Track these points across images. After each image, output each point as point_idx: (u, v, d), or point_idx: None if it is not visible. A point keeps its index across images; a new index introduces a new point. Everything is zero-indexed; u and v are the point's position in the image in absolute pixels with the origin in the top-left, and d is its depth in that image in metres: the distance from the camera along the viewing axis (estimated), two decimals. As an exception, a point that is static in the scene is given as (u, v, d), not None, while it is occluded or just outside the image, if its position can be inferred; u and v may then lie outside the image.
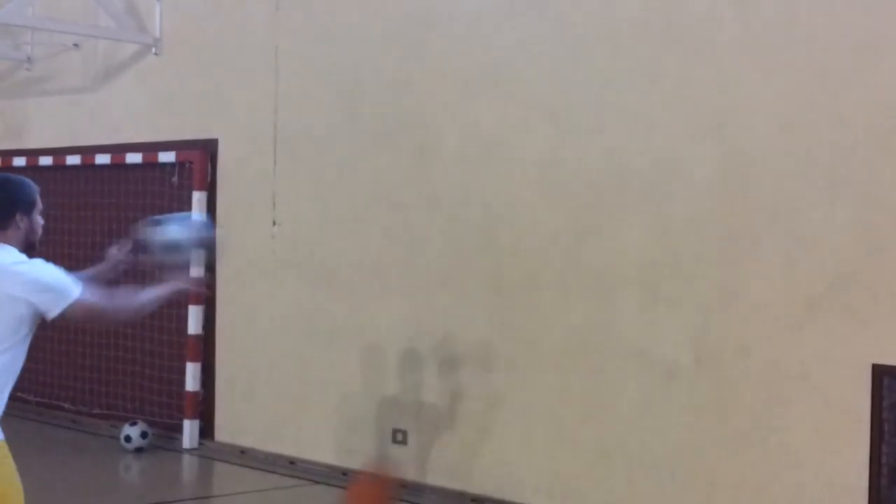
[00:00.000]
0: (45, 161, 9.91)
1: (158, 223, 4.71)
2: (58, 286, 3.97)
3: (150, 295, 4.27)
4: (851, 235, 5.74)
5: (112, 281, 4.54)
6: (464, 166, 7.32)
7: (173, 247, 4.57)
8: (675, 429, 6.29)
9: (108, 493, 7.61)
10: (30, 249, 4.11)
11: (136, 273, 4.85)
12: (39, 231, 4.18)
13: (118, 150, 9.39)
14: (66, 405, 9.72)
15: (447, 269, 7.38)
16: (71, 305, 3.95)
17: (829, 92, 5.85)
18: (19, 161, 10.12)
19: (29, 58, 10.26)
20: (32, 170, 9.96)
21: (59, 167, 9.83)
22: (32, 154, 10.06)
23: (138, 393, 9.21)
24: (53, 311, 3.94)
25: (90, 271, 4.67)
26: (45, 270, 4.00)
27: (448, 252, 7.39)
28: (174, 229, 4.67)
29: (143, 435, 8.60)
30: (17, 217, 4.08)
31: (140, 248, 4.71)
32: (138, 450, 8.57)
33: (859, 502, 5.61)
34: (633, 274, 6.51)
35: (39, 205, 4.19)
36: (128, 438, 8.59)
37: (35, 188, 4.22)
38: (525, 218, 7.01)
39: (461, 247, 7.31)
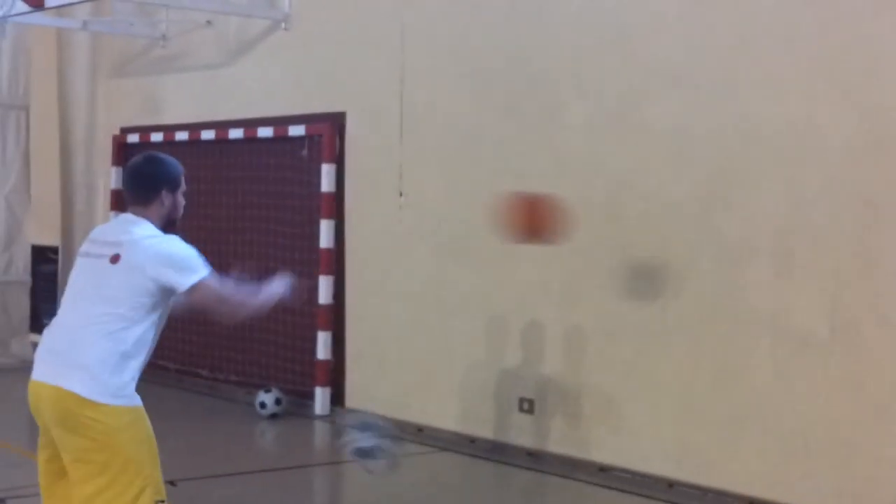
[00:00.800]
0: (182, 136, 10.20)
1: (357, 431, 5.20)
2: (185, 263, 4.07)
3: (266, 299, 4.32)
4: None
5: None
6: (590, 135, 7.26)
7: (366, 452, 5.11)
8: (808, 400, 6.16)
9: (244, 457, 7.81)
10: (169, 227, 4.23)
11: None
12: (181, 210, 4.29)
13: (250, 124, 9.61)
14: (204, 373, 10.03)
15: (574, 239, 7.32)
16: (194, 286, 4.04)
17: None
18: (157, 136, 10.46)
19: (164, 35, 10.55)
20: (169, 145, 10.32)
21: (194, 142, 10.10)
22: (169, 130, 10.37)
23: (272, 361, 9.44)
24: (178, 287, 4.03)
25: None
26: (176, 246, 4.11)
27: (575, 221, 7.34)
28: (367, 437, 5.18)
29: (278, 401, 8.82)
30: (162, 194, 4.20)
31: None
32: (272, 416, 8.80)
33: None
34: (765, 241, 6.37)
35: (183, 185, 4.31)
36: (262, 405, 8.83)
37: (181, 168, 4.33)
38: (653, 186, 6.93)
39: (588, 216, 7.24)
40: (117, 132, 10.99)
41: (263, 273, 4.38)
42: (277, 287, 4.38)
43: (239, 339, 9.68)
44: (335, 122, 8.99)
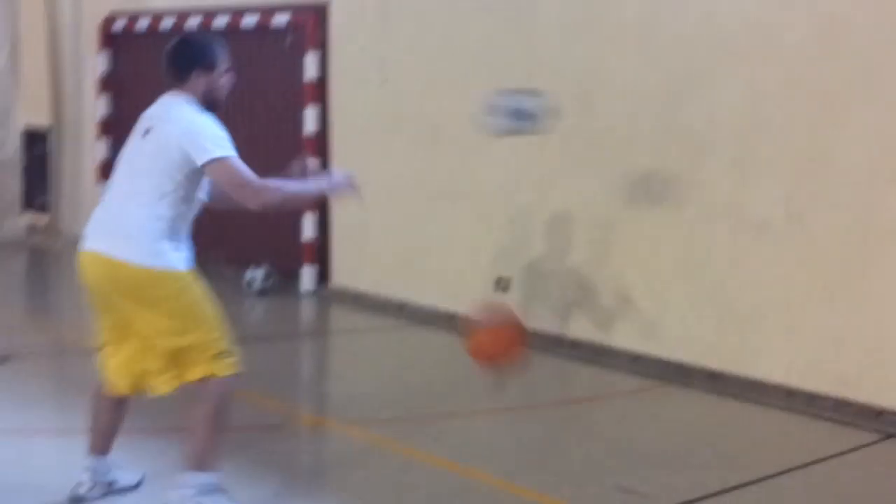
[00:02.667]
0: (167, 24, 10.39)
1: (510, 93, 5.09)
2: (209, 139, 4.11)
3: (301, 187, 4.26)
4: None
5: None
6: (562, 30, 7.58)
7: (524, 114, 5.00)
8: (763, 282, 6.64)
9: (235, 329, 8.22)
10: (212, 108, 4.28)
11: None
12: (221, 91, 4.32)
13: (235, 11, 9.81)
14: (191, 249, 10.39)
15: (550, 128, 7.69)
16: (215, 160, 4.06)
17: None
18: (142, 24, 10.64)
19: (149, -80, 10.65)
20: (153, 34, 10.50)
21: (180, 31, 10.26)
22: (155, 15, 10.54)
23: (260, 240, 9.79)
24: (201, 158, 4.07)
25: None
26: (204, 122, 4.17)
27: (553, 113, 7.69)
28: (526, 99, 5.09)
29: (267, 276, 9.19)
30: (193, 75, 4.25)
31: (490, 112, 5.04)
32: (261, 292, 9.20)
33: (941, 349, 5.94)
34: (726, 134, 6.78)
35: (220, 66, 4.30)
36: (252, 280, 9.21)
37: (216, 49, 4.31)
38: (622, 80, 7.29)
39: (561, 105, 7.59)
40: (104, 18, 11.14)
41: (249, 161, 4.26)
42: (318, 186, 4.37)
43: (227, 218, 9.96)
44: (318, 11, 9.22)
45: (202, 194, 4.33)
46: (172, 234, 4.16)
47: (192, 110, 4.23)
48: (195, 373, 4.19)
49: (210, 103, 4.30)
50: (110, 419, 4.46)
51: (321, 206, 9.27)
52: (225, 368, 4.22)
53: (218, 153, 4.10)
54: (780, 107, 6.53)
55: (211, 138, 4.13)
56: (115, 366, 4.35)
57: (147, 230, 4.10)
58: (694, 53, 6.89)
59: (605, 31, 7.35)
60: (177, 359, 4.19)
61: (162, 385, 4.25)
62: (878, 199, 6.15)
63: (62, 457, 4.99)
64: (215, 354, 4.19)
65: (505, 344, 5.36)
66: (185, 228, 4.24)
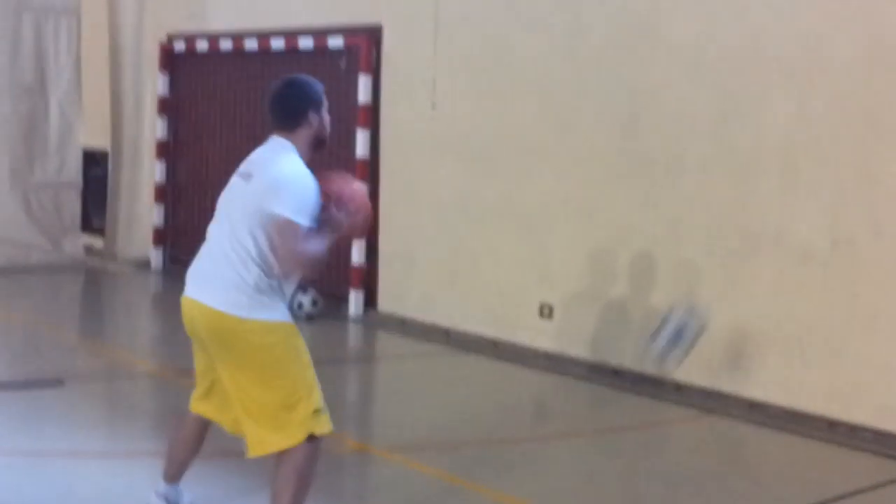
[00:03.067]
0: (226, 45, 10.57)
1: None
2: (304, 202, 3.95)
3: (321, 250, 4.03)
4: None
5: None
6: (612, 50, 7.54)
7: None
8: (807, 309, 6.52)
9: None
10: (320, 148, 4.19)
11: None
12: (328, 129, 4.20)
13: (291, 33, 9.93)
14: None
15: (595, 150, 7.69)
16: (284, 218, 3.91)
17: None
18: (202, 45, 10.85)
19: (210, -54, 10.86)
20: (214, 55, 10.71)
21: (238, 52, 10.46)
22: (213, 37, 10.73)
23: (309, 264, 9.87)
24: (278, 209, 3.93)
25: None
26: (299, 181, 3.98)
27: (596, 133, 7.69)
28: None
29: (314, 302, 9.25)
30: (310, 115, 4.13)
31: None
32: (309, 317, 9.26)
33: (984, 381, 5.79)
34: (773, 156, 6.67)
35: (326, 101, 4.20)
36: (300, 305, 9.28)
37: (321, 86, 4.21)
38: (670, 101, 7.23)
39: (609, 128, 7.59)
40: (164, 39, 11.38)
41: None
42: (329, 241, 4.11)
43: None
44: (372, 35, 9.31)
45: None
46: (273, 284, 4.02)
47: (295, 162, 4.08)
48: (280, 440, 4.02)
49: (320, 143, 4.20)
50: (189, 450, 4.45)
51: (369, 231, 9.33)
52: (317, 426, 4.07)
53: (291, 214, 3.94)
54: (826, 127, 6.43)
55: (301, 200, 3.97)
56: (208, 392, 4.30)
57: (247, 282, 3.99)
58: (741, 72, 6.80)
59: (653, 51, 7.30)
60: (265, 416, 4.03)
61: (251, 448, 4.10)
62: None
63: (109, 480, 5.03)
64: (306, 413, 4.04)
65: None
66: (288, 280, 4.08)
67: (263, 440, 4.05)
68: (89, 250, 11.92)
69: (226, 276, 4.02)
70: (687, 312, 5.75)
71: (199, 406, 4.36)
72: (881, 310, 6.18)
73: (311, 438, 4.05)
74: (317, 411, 4.06)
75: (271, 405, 4.01)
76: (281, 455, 4.07)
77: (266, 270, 4.00)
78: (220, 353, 4.08)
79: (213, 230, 4.18)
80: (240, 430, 4.18)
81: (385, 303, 9.34)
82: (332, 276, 9.62)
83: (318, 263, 4.12)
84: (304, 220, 3.95)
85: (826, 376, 6.43)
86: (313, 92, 4.19)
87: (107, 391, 7.11)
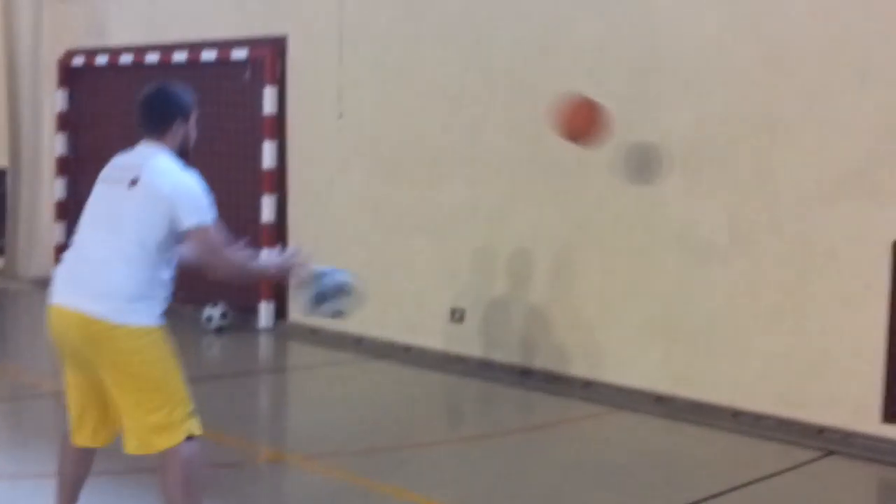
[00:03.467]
0: (126, 59, 10.46)
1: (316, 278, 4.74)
2: (195, 203, 4.06)
3: (259, 269, 4.28)
4: (878, 120, 6.06)
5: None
6: (518, 57, 7.69)
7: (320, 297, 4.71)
8: (709, 303, 6.72)
9: (193, 368, 8.14)
10: (183, 156, 4.23)
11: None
12: (193, 139, 4.29)
13: (194, 47, 9.89)
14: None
15: (503, 157, 7.82)
16: (196, 227, 4.02)
17: (861, -18, 6.11)
18: (102, 59, 10.71)
19: (108, -40, 10.75)
20: (113, 68, 10.59)
21: (139, 65, 10.36)
22: (114, 52, 10.62)
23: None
24: (186, 222, 4.02)
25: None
26: (192, 183, 4.10)
27: (504, 140, 7.81)
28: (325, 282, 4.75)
29: (224, 315, 9.24)
30: (177, 123, 4.21)
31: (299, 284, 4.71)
32: (219, 329, 9.23)
33: (876, 366, 6.06)
34: (675, 158, 6.88)
35: (195, 112, 4.28)
36: (209, 319, 9.25)
37: (192, 96, 4.28)
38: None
39: (516, 135, 7.72)
40: (63, 55, 11.21)
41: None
42: (276, 262, 4.36)
43: (201, 268, 10.00)
44: (277, 46, 9.32)
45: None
46: (150, 291, 4.09)
47: (177, 166, 4.17)
48: (162, 441, 4.08)
49: (183, 152, 4.27)
50: (77, 469, 4.38)
51: (278, 242, 9.31)
52: (193, 429, 4.13)
53: (201, 220, 4.06)
54: (725, 129, 6.65)
55: (198, 203, 4.08)
56: (80, 419, 4.29)
57: (126, 287, 4.02)
58: (645, 76, 7.01)
59: (558, 56, 7.46)
60: (144, 417, 4.08)
61: (130, 445, 4.13)
62: (817, 222, 6.27)
63: (18, 502, 4.94)
64: (183, 415, 4.11)
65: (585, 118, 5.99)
66: (164, 284, 4.17)
67: (144, 440, 4.09)
68: (-11, 269, 11.66)
69: (100, 283, 4.03)
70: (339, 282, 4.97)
71: (78, 439, 4.32)
72: (781, 303, 6.42)
73: (190, 438, 4.12)
74: (191, 413, 4.14)
75: (150, 407, 4.05)
76: (164, 461, 4.10)
77: (147, 276, 4.04)
78: (96, 359, 4.08)
79: (86, 237, 4.16)
80: (112, 437, 4.24)
81: (296, 313, 9.32)
82: (242, 288, 9.57)
83: (246, 271, 4.26)
84: (210, 216, 4.08)
85: (730, 368, 6.62)
86: (182, 101, 4.26)
87: (11, 412, 6.97)
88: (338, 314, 4.86)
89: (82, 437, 4.30)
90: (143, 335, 4.05)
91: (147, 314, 4.07)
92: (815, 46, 6.29)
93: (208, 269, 4.15)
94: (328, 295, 4.74)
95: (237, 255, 4.19)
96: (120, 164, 4.23)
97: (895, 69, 6.00)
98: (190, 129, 4.28)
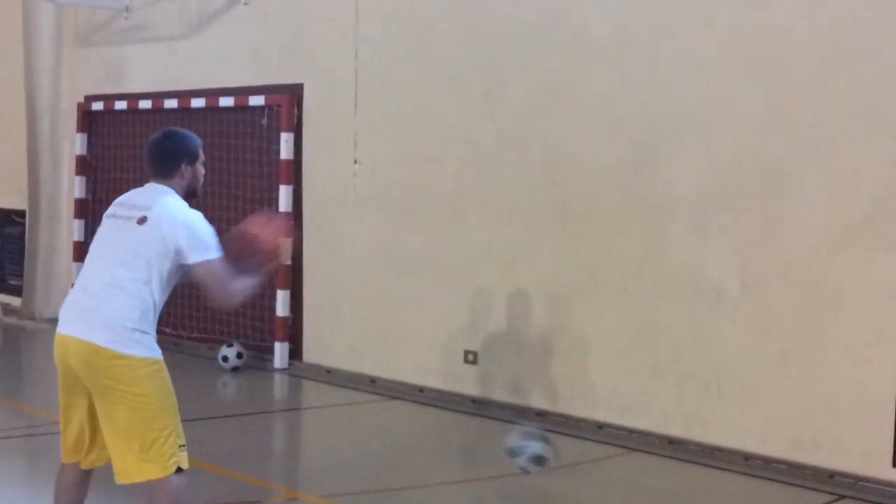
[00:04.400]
0: (145, 105, 10.66)
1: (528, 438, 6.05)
2: (201, 240, 4.27)
3: (253, 286, 4.37)
4: (885, 169, 6.20)
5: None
6: (529, 107, 7.86)
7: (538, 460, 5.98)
8: (720, 349, 6.83)
9: (208, 406, 8.34)
10: (190, 197, 4.45)
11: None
12: (200, 181, 4.52)
13: (212, 94, 10.08)
14: (168, 330, 10.51)
15: (515, 203, 7.96)
16: (202, 263, 4.24)
17: (866, 36, 6.28)
18: (121, 104, 10.91)
19: (127, 7, 10.96)
20: (133, 112, 10.79)
21: (158, 110, 10.56)
22: (133, 98, 10.83)
23: (233, 318, 9.95)
24: (191, 259, 4.23)
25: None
26: (198, 221, 4.32)
27: (515, 187, 7.97)
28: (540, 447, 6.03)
29: (239, 355, 9.36)
30: (183, 167, 4.43)
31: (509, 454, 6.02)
32: (234, 369, 9.34)
33: (886, 411, 6.16)
34: (685, 206, 7.03)
35: (202, 156, 4.52)
36: (225, 359, 9.37)
37: (198, 141, 4.54)
38: (586, 155, 7.55)
39: (527, 182, 7.87)
40: (82, 100, 11.42)
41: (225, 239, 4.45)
42: (258, 280, 4.46)
43: (201, 297, 10.10)
44: (293, 93, 9.51)
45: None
46: (149, 322, 4.25)
47: (184, 205, 4.38)
48: (151, 471, 4.21)
49: (190, 193, 4.47)
50: (73, 497, 4.51)
51: (293, 284, 9.45)
52: (182, 462, 4.26)
53: (207, 256, 4.27)
54: (734, 177, 6.80)
55: (203, 240, 4.28)
56: (76, 444, 4.41)
57: (130, 319, 4.18)
58: (653, 127, 7.17)
59: (568, 107, 7.63)
60: (135, 447, 4.20)
61: (121, 475, 4.27)
62: (825, 269, 6.40)
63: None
64: (174, 447, 4.24)
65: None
66: (158, 315, 4.32)
67: (134, 470, 4.23)
68: (6, 309, 11.78)
69: (104, 314, 4.19)
70: (542, 441, 6.10)
71: (70, 457, 4.47)
72: (791, 348, 6.53)
73: (178, 471, 4.26)
74: (182, 446, 4.28)
75: (142, 437, 4.19)
76: (152, 492, 4.24)
77: (147, 310, 4.22)
78: (94, 388, 4.23)
79: (92, 270, 4.33)
80: (102, 463, 4.39)
81: (310, 354, 9.44)
82: (258, 328, 9.72)
83: (249, 294, 4.44)
84: (216, 253, 4.29)
85: (741, 412, 6.72)
86: (189, 145, 4.50)
87: (28, 447, 7.07)
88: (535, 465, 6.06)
89: (77, 458, 4.42)
90: (145, 366, 4.20)
91: (148, 346, 4.22)
92: (822, 97, 6.45)
93: (215, 301, 4.38)
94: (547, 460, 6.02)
95: (240, 285, 4.37)
96: (128, 202, 4.44)
97: (900, 120, 6.16)
98: (197, 171, 4.49)
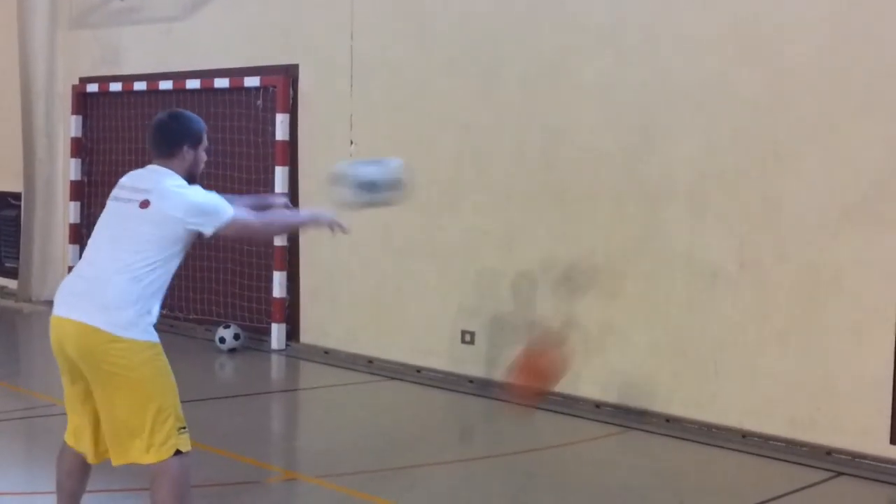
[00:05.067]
0: (140, 86, 10.64)
1: (356, 164, 4.98)
2: (213, 209, 4.30)
3: (295, 219, 4.66)
4: (884, 149, 6.22)
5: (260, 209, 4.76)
6: (527, 88, 7.86)
7: (369, 185, 4.80)
8: (718, 328, 6.86)
9: (206, 388, 8.35)
10: (191, 181, 4.42)
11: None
12: (202, 165, 4.50)
13: (207, 75, 10.06)
14: (164, 311, 10.51)
15: (512, 185, 7.97)
16: (226, 224, 4.30)
17: (866, 16, 6.29)
18: (115, 86, 10.88)
19: (122, -12, 10.94)
20: (128, 94, 10.77)
21: (153, 92, 10.54)
22: (128, 80, 10.79)
23: (230, 300, 9.97)
24: (208, 230, 4.28)
25: (250, 198, 4.86)
26: (202, 195, 4.35)
27: (513, 168, 7.97)
28: (372, 170, 4.90)
29: (236, 337, 9.38)
30: (185, 149, 4.41)
31: (335, 181, 4.85)
32: (231, 350, 9.36)
33: (884, 392, 6.19)
34: (682, 187, 7.04)
35: (205, 141, 4.50)
36: (222, 340, 9.38)
37: (203, 124, 4.52)
38: (584, 136, 7.55)
39: (525, 163, 7.88)
40: (77, 82, 11.38)
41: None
42: (307, 218, 4.66)
43: (198, 280, 10.18)
44: (289, 74, 9.49)
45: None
46: (149, 305, 4.24)
47: (184, 184, 4.37)
48: (150, 455, 4.20)
49: (190, 177, 4.44)
50: (74, 483, 4.50)
51: (290, 266, 9.46)
52: (182, 444, 4.26)
53: (224, 218, 4.31)
54: (732, 158, 6.81)
55: (215, 208, 4.32)
56: (77, 433, 4.41)
57: (126, 301, 4.16)
58: (651, 108, 7.18)
59: (566, 89, 7.63)
60: (133, 431, 4.20)
61: (117, 458, 4.27)
62: (824, 249, 6.42)
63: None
64: (174, 430, 4.23)
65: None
66: (160, 299, 4.33)
67: (133, 453, 4.22)
68: (2, 291, 11.76)
69: (104, 296, 4.18)
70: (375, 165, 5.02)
71: (72, 440, 4.46)
72: (789, 328, 6.56)
73: (178, 454, 4.25)
74: (182, 429, 4.27)
75: (141, 421, 4.18)
76: (155, 476, 4.24)
77: (146, 293, 4.20)
78: (91, 371, 4.21)
79: (94, 252, 4.34)
80: (105, 452, 4.35)
81: (308, 336, 9.45)
82: (255, 309, 9.73)
83: (283, 227, 4.74)
84: (228, 211, 4.33)
85: (739, 391, 6.75)
86: (193, 128, 4.48)
87: (25, 429, 7.09)
88: (382, 203, 4.95)
89: (81, 451, 4.41)
90: (143, 350, 4.18)
91: (145, 330, 4.21)
92: (821, 77, 6.46)
93: (259, 242, 4.44)
94: (381, 185, 4.83)
95: (270, 219, 4.57)
96: (130, 185, 4.42)
97: (898, 100, 6.17)
98: (199, 155, 4.47)
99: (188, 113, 4.58)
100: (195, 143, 4.45)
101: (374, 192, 4.81)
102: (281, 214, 4.70)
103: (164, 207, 4.26)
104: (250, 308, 9.82)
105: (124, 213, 4.32)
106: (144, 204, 4.27)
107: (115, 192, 4.46)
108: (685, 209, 7.03)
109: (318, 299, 9.40)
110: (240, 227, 4.43)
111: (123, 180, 4.49)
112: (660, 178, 7.15)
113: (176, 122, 4.51)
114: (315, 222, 4.89)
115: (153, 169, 4.44)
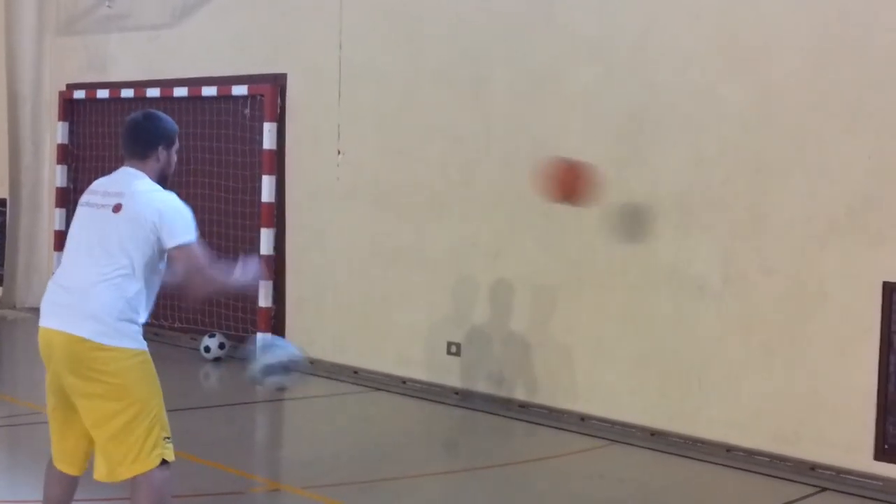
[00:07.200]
0: (127, 93, 10.60)
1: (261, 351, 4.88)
2: (179, 223, 4.21)
3: (234, 284, 4.33)
4: (869, 164, 6.23)
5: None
6: (515, 100, 7.86)
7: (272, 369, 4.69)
8: (703, 341, 6.86)
9: (191, 397, 8.33)
10: (162, 182, 4.37)
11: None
12: (173, 167, 4.45)
13: (195, 83, 10.03)
14: (149, 319, 10.49)
15: (500, 196, 7.97)
16: (180, 246, 4.17)
17: (852, 31, 6.31)
18: (103, 93, 10.84)
19: (110, -5, 10.92)
20: (115, 101, 10.73)
21: (140, 99, 10.50)
22: (115, 87, 10.76)
23: (215, 308, 9.93)
24: (170, 242, 4.17)
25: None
26: (175, 204, 4.26)
27: (500, 179, 7.97)
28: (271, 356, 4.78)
29: (221, 346, 9.36)
30: (160, 150, 4.37)
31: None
32: (216, 359, 9.33)
33: (868, 404, 6.19)
34: (668, 199, 7.04)
35: (177, 143, 4.46)
36: (207, 349, 9.35)
37: (176, 126, 4.47)
38: (571, 148, 7.50)
39: (512, 175, 7.87)
40: (64, 88, 11.34)
41: (207, 229, 4.45)
42: (246, 272, 4.44)
43: (183, 288, 10.09)
44: (277, 83, 9.48)
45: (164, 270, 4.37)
46: (134, 312, 4.20)
47: (159, 189, 4.33)
48: (134, 467, 4.16)
49: (164, 178, 4.40)
50: (62, 492, 4.45)
51: (276, 275, 9.43)
52: (167, 453, 4.22)
53: (184, 239, 4.21)
54: (718, 171, 6.81)
55: (181, 223, 4.23)
56: (62, 456, 4.37)
57: (113, 310, 4.13)
58: (638, 120, 7.18)
59: (554, 100, 7.63)
60: (122, 438, 4.16)
61: (100, 472, 4.23)
62: (809, 263, 6.43)
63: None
64: (159, 439, 4.19)
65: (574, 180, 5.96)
66: (148, 304, 4.27)
67: (118, 466, 4.17)
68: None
69: (88, 306, 4.13)
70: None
71: (59, 464, 4.39)
72: (774, 341, 6.56)
73: (163, 464, 4.21)
74: (167, 438, 4.23)
75: (126, 430, 4.14)
76: (136, 483, 4.19)
77: (133, 297, 4.16)
78: (76, 382, 4.16)
79: (72, 261, 4.27)
80: (87, 462, 4.31)
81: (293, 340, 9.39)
82: (240, 318, 9.69)
83: (224, 286, 4.37)
84: (193, 235, 4.22)
85: (723, 405, 6.75)
86: (167, 128, 4.44)
87: (9, 437, 7.04)
88: (281, 388, 4.99)
89: (63, 463, 4.37)
90: (130, 357, 4.15)
91: (133, 337, 4.17)
92: (806, 92, 6.48)
93: (192, 288, 4.27)
94: (278, 368, 4.74)
95: (219, 272, 4.31)
96: (101, 189, 4.37)
97: (884, 115, 6.18)
98: (171, 157, 4.43)
99: (161, 113, 4.54)
100: (169, 144, 4.42)
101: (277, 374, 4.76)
102: (226, 275, 4.34)
103: (137, 209, 4.22)
104: (235, 317, 9.79)
105: (98, 218, 4.27)
106: (117, 208, 4.23)
107: (86, 197, 4.40)
108: (671, 222, 7.03)
109: (303, 309, 9.37)
110: (193, 259, 4.21)
111: (94, 185, 4.44)
112: (646, 191, 7.15)
113: (151, 122, 4.45)
114: (247, 281, 4.55)
115: (125, 171, 4.39)
